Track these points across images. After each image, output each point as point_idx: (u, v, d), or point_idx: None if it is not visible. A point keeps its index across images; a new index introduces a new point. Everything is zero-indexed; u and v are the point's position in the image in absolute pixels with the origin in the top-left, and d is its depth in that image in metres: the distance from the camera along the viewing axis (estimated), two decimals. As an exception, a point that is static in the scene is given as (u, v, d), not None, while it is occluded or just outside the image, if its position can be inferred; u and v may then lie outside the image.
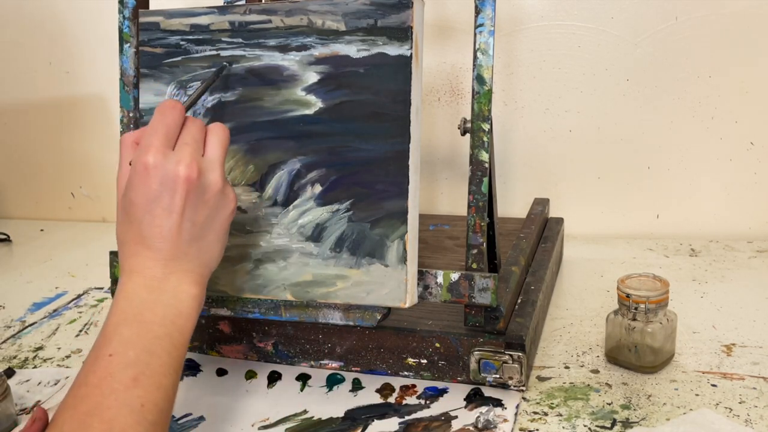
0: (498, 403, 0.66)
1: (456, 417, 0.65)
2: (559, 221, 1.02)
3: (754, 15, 1.00)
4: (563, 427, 0.62)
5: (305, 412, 0.67)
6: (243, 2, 0.69)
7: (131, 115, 0.72)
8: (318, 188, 0.65)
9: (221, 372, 0.74)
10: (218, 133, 0.58)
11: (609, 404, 0.65)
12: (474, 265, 0.65)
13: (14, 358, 0.81)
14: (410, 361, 0.70)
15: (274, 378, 0.73)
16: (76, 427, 0.47)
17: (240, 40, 0.67)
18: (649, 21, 1.03)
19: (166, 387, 0.51)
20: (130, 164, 0.56)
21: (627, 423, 0.62)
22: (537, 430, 0.62)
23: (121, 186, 0.57)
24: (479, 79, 0.64)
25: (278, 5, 0.66)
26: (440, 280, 0.65)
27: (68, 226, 1.33)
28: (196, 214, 0.55)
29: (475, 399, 0.67)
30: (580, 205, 1.13)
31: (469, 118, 0.65)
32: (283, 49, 0.65)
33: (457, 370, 0.69)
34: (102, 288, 1.01)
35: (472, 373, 0.68)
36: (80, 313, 0.93)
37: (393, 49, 0.62)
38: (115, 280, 0.73)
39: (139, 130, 0.58)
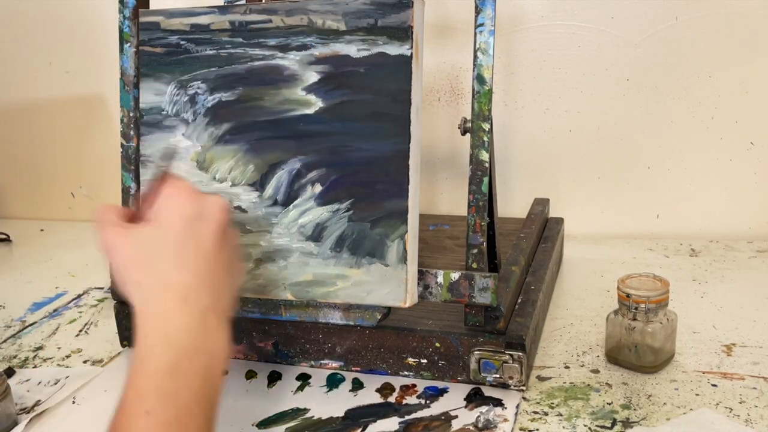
0: (498, 402, 0.66)
1: (456, 417, 0.65)
2: (559, 221, 1.02)
3: (754, 15, 1.00)
4: (563, 427, 0.62)
5: (305, 411, 0.67)
6: (243, 2, 0.69)
7: (131, 115, 0.72)
8: (318, 188, 0.65)
9: (221, 372, 0.74)
10: None
11: (609, 404, 0.65)
12: (474, 265, 0.65)
13: (14, 357, 0.81)
14: (410, 360, 0.70)
15: (274, 378, 0.73)
16: None
17: (240, 39, 0.67)
18: (649, 21, 1.03)
19: None
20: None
21: (627, 423, 0.62)
22: (537, 429, 0.62)
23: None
24: (479, 78, 0.64)
25: (278, 5, 0.66)
26: (440, 279, 0.65)
27: (68, 226, 1.33)
28: (225, 251, 0.55)
29: (475, 399, 0.67)
30: (580, 205, 1.13)
31: (469, 117, 0.65)
32: (284, 48, 0.65)
33: (457, 370, 0.69)
34: (102, 288, 1.01)
35: (472, 372, 0.68)
36: (80, 313, 0.93)
37: (393, 49, 0.62)
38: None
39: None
